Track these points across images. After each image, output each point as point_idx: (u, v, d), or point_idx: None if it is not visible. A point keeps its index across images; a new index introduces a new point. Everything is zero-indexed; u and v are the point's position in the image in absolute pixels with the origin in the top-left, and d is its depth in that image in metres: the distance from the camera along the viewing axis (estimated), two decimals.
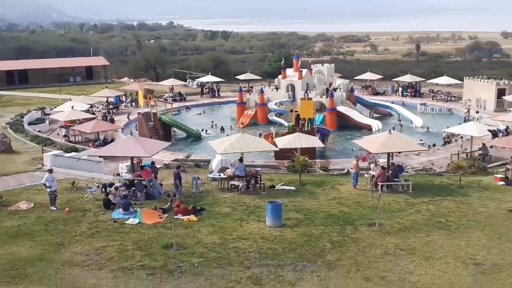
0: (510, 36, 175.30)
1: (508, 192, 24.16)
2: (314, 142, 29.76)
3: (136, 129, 39.25)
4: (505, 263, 16.41)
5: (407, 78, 57.99)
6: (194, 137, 39.15)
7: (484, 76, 51.97)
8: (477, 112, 44.16)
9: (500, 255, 17.11)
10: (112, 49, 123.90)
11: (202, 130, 40.97)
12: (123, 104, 51.60)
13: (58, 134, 38.53)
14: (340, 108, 42.36)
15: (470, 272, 15.91)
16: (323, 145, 31.83)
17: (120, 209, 21.69)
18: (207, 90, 59.66)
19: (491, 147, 31.35)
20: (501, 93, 46.14)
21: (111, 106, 48.52)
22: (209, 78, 61.76)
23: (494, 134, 34.43)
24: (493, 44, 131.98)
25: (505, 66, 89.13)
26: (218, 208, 22.33)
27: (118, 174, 27.19)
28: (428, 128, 40.55)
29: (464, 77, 52.94)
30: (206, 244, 18.28)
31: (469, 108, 45.48)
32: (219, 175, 26.30)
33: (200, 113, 50.10)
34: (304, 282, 15.44)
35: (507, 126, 36.34)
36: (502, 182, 25.68)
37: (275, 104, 43.88)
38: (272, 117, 42.25)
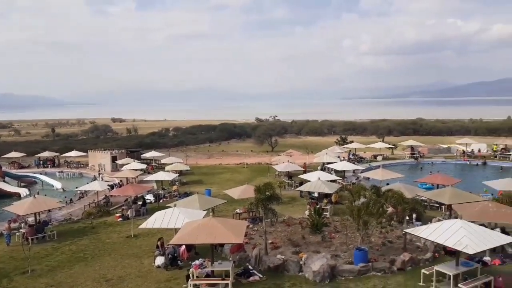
0: (116, 121, 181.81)
1: (124, 224, 24.55)
2: None
3: None
4: (126, 274, 16.64)
5: (46, 154, 52.89)
6: None
7: (102, 148, 52.25)
8: (100, 173, 43.92)
9: (123, 269, 17.25)
10: None
11: None
12: None
13: None
14: None
15: (104, 287, 15.49)
16: None
17: None
18: None
19: (111, 196, 31.48)
20: (114, 158, 47.29)
21: None
22: None
23: (112, 186, 34.96)
24: (106, 126, 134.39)
25: (115, 140, 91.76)
26: None
27: None
28: (64, 188, 37.68)
29: (89, 150, 51.76)
30: None
31: (96, 174, 44.33)
32: None
33: None
34: None
35: (121, 180, 37.43)
36: (120, 219, 26.15)
37: None
38: None
